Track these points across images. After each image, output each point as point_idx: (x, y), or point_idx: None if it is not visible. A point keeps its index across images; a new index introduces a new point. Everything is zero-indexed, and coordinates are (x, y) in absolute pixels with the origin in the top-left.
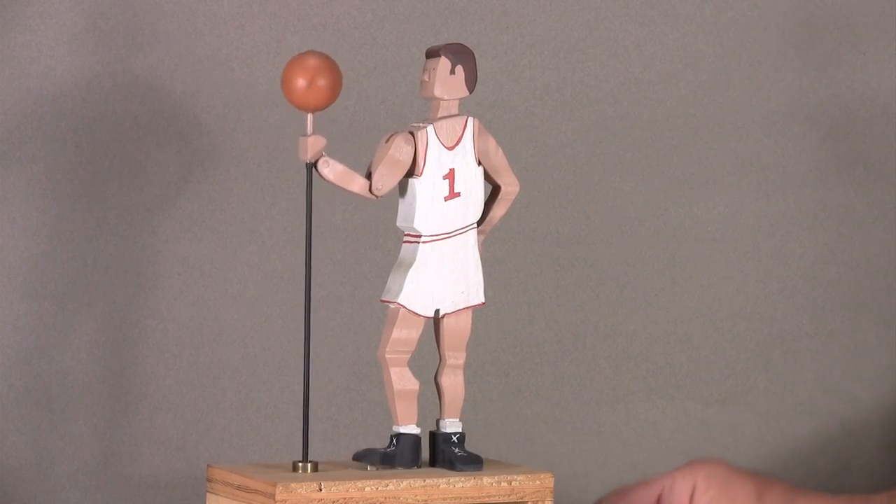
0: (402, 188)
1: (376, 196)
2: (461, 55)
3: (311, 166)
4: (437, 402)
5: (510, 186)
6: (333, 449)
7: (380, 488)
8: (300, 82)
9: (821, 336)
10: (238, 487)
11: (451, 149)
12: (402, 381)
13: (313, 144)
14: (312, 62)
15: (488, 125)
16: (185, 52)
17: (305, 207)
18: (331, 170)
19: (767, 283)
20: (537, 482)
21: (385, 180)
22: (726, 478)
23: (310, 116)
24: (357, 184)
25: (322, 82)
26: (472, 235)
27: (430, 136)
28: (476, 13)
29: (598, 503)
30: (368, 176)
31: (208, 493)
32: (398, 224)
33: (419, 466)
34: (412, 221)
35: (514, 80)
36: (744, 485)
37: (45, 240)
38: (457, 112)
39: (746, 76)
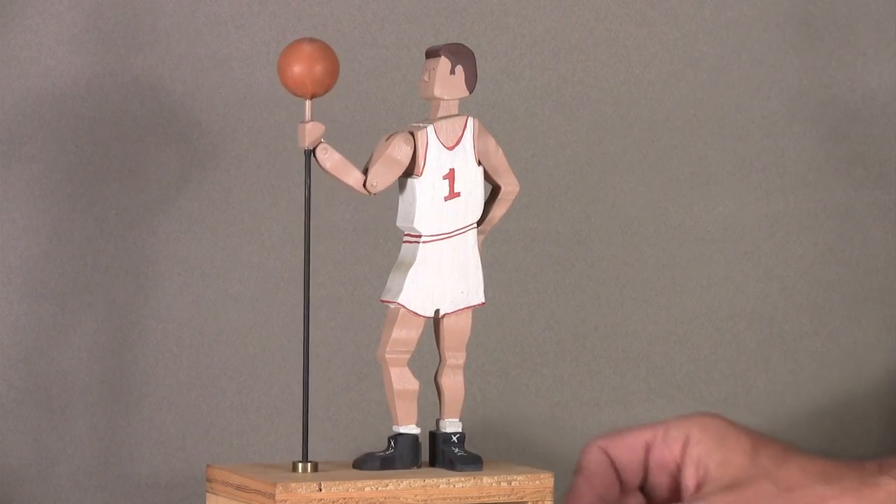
0: (402, 188)
1: (369, 192)
2: (461, 55)
3: (310, 153)
4: (437, 402)
5: (510, 186)
6: (333, 449)
7: (379, 488)
8: (297, 69)
9: (821, 336)
10: (238, 487)
11: (451, 149)
12: (402, 381)
13: (311, 131)
14: (308, 48)
15: (488, 125)
16: (185, 52)
17: (304, 197)
18: (328, 157)
19: (767, 283)
20: (537, 482)
21: (380, 178)
22: (723, 431)
23: (308, 103)
24: (352, 177)
25: (319, 68)
26: (472, 235)
27: (429, 136)
28: (476, 13)
29: (589, 443)
30: (365, 171)
31: (208, 493)
32: (398, 224)
33: (419, 466)
34: (412, 221)
35: (514, 80)
36: (739, 439)
37: (45, 240)
38: (457, 112)
39: (746, 76)
